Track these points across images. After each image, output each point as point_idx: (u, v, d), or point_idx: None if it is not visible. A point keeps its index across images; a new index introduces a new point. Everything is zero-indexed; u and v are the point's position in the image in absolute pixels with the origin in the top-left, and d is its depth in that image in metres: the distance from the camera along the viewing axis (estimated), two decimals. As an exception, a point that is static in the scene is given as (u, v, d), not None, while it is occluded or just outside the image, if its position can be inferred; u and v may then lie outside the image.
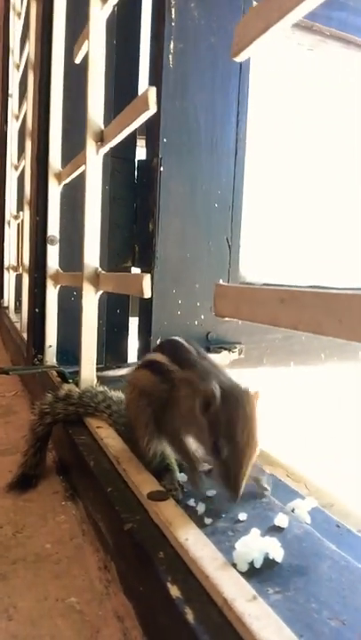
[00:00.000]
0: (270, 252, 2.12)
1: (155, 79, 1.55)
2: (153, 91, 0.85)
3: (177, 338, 0.90)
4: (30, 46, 2.05)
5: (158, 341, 0.94)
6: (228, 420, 0.70)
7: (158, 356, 0.89)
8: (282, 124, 2.06)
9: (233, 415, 0.70)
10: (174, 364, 0.84)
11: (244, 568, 0.59)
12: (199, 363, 0.82)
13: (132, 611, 0.68)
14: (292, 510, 0.76)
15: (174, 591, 0.57)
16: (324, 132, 2.13)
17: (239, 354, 1.72)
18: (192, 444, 0.81)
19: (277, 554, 0.62)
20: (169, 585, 0.58)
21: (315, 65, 2.11)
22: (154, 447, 0.85)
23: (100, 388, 1.12)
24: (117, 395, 1.09)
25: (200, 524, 0.68)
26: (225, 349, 1.68)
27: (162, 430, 0.85)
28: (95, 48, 1.19)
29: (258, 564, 0.60)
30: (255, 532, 0.64)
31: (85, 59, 1.23)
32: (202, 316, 1.65)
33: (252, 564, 0.60)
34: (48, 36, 1.63)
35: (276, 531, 0.69)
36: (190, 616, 0.53)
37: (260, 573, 0.59)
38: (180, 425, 0.81)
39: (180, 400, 0.80)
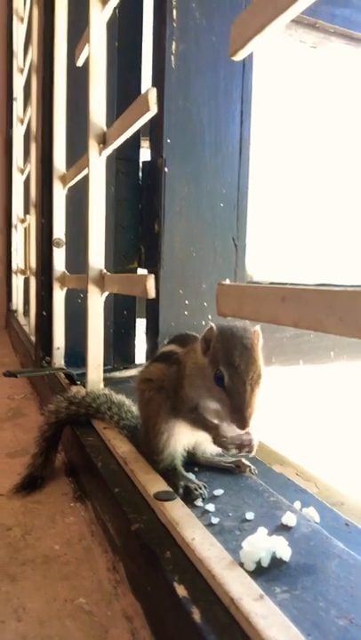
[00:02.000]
0: (278, 251, 2.11)
1: (157, 80, 1.55)
2: (153, 91, 0.85)
3: (189, 332, 0.90)
4: (33, 50, 2.06)
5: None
6: (226, 348, 0.72)
7: (168, 347, 0.90)
8: (286, 123, 2.06)
9: (231, 344, 0.72)
10: (182, 349, 0.85)
11: (252, 567, 0.59)
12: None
13: (140, 611, 0.68)
14: (301, 509, 0.76)
15: (181, 591, 0.57)
16: (329, 130, 2.12)
17: (247, 353, 1.71)
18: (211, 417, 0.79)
19: (285, 553, 0.61)
20: (176, 585, 0.58)
21: (318, 63, 2.10)
22: (172, 444, 0.84)
23: (105, 391, 1.13)
24: (120, 398, 1.09)
25: (207, 524, 0.68)
26: (232, 349, 1.67)
27: (179, 413, 0.82)
28: (96, 50, 1.19)
29: (265, 564, 0.60)
30: (262, 530, 0.64)
31: (87, 61, 1.23)
32: (209, 316, 1.65)
33: (259, 563, 0.60)
34: (50, 40, 1.63)
35: (283, 529, 0.69)
36: (197, 615, 0.53)
37: (267, 572, 0.59)
38: (194, 395, 0.79)
39: (187, 370, 0.80)
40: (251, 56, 1.71)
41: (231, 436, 0.75)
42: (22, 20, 2.81)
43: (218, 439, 0.76)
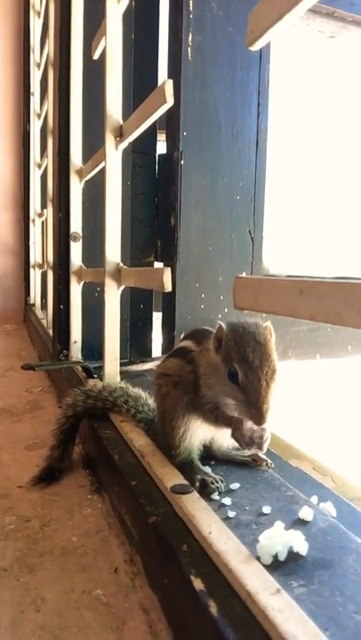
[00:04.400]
0: (294, 243, 2.10)
1: (174, 72, 1.54)
2: (169, 83, 0.85)
3: (205, 326, 0.89)
4: (50, 44, 2.07)
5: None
6: (239, 345, 0.72)
7: (184, 343, 0.90)
8: (305, 114, 2.03)
9: (243, 340, 0.72)
10: (197, 346, 0.85)
11: (268, 561, 0.59)
12: None
13: (157, 603, 0.69)
14: (318, 503, 0.76)
15: (198, 584, 0.57)
16: (348, 121, 2.09)
17: (264, 347, 1.70)
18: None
19: (302, 547, 0.61)
20: (192, 578, 0.58)
21: (337, 52, 2.07)
22: (188, 438, 0.84)
23: (121, 384, 1.13)
24: (137, 391, 1.10)
25: (224, 518, 0.68)
26: (249, 342, 1.67)
27: (201, 414, 0.82)
28: (112, 43, 1.19)
29: (282, 558, 0.60)
30: (279, 525, 0.64)
31: (103, 54, 1.23)
32: (225, 310, 1.64)
33: (275, 557, 0.60)
34: (67, 34, 1.63)
35: (300, 524, 0.68)
36: (214, 609, 0.53)
37: (284, 566, 0.59)
38: (211, 394, 0.79)
39: (202, 370, 0.80)
40: (268, 47, 1.69)
41: (250, 434, 0.74)
42: (39, 14, 2.82)
43: (236, 433, 0.76)
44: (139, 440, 0.95)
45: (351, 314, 0.41)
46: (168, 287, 0.91)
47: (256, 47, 0.58)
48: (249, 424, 0.74)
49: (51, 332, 2.03)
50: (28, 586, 0.75)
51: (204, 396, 0.79)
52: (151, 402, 1.05)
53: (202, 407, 0.81)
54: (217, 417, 0.79)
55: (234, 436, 0.76)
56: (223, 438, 0.86)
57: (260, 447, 0.74)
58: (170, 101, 0.86)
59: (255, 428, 0.73)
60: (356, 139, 2.10)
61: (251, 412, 0.69)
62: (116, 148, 1.20)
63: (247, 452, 0.87)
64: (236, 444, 0.79)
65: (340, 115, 2.06)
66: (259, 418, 0.69)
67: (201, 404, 0.81)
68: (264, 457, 0.87)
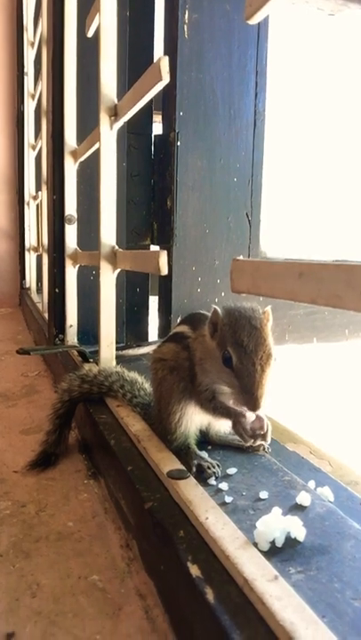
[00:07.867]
0: (292, 227, 2.08)
1: (169, 51, 1.51)
2: (165, 60, 0.82)
3: (202, 311, 0.88)
4: (43, 22, 2.02)
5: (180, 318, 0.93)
6: (234, 329, 0.71)
7: (180, 328, 0.89)
8: (303, 94, 2.00)
9: (238, 324, 0.71)
10: (193, 332, 0.84)
11: (266, 547, 0.58)
12: None
13: (153, 589, 0.68)
14: (315, 488, 0.75)
15: (194, 570, 0.56)
16: (347, 100, 2.06)
17: (261, 331, 1.69)
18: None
19: (299, 533, 0.61)
20: (189, 564, 0.57)
21: (337, 31, 2.03)
22: (185, 424, 0.83)
23: (117, 369, 1.12)
24: (133, 375, 1.08)
25: (220, 503, 0.68)
26: (246, 326, 1.66)
27: (196, 398, 0.81)
28: (107, 20, 1.16)
29: (279, 544, 0.59)
30: (277, 510, 0.63)
31: (98, 32, 1.20)
32: (222, 294, 1.63)
33: (273, 543, 0.59)
34: (60, 11, 1.59)
35: (298, 509, 0.68)
36: (210, 596, 0.52)
37: (281, 553, 0.58)
38: (207, 381, 0.78)
39: (197, 356, 0.79)
40: (266, 25, 1.66)
41: (250, 427, 0.74)
42: (32, -9, 2.76)
43: (237, 427, 0.75)
44: (135, 425, 0.94)
45: (353, 297, 0.40)
46: (164, 270, 0.90)
47: (255, 21, 0.55)
48: (248, 417, 0.73)
49: (46, 315, 2.02)
50: (23, 571, 0.74)
51: (201, 384, 0.79)
52: (147, 386, 1.04)
53: (199, 395, 0.80)
54: (215, 407, 0.78)
55: (235, 429, 0.76)
56: (220, 423, 0.85)
57: (264, 439, 0.74)
58: (165, 79, 0.84)
59: (255, 418, 0.73)
60: (355, 118, 2.07)
61: (245, 398, 0.69)
62: (111, 128, 1.18)
63: (249, 443, 0.85)
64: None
65: (340, 93, 2.03)
66: (253, 403, 0.68)
67: (198, 392, 0.80)
68: (261, 441, 0.86)
